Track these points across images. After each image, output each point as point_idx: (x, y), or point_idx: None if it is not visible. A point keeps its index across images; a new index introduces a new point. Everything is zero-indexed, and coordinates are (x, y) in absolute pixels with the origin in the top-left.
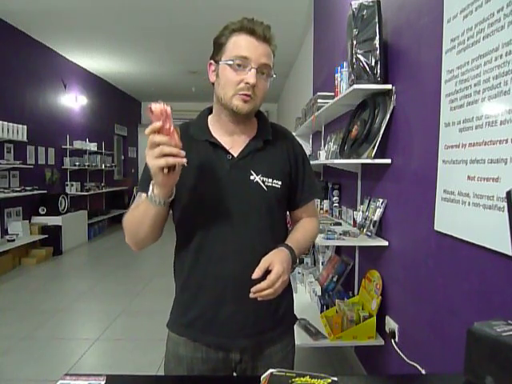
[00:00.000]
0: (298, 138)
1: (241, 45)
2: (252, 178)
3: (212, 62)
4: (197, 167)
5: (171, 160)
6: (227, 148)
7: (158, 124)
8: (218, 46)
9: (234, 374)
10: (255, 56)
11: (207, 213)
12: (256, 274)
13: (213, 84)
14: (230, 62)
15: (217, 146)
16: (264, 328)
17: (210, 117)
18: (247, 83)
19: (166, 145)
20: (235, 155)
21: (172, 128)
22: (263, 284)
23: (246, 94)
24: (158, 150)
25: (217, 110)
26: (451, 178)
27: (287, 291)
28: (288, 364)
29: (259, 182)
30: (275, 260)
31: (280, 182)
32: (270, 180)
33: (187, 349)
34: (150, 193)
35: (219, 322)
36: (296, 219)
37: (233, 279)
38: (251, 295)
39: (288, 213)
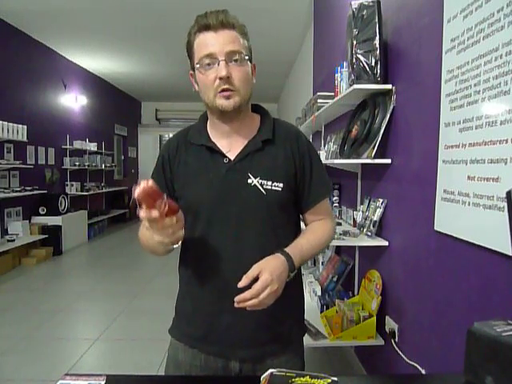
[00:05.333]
0: None
1: (203, 44)
2: (250, 181)
3: (191, 71)
4: (194, 173)
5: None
6: (224, 151)
7: (155, 214)
8: (189, 54)
9: None
10: (218, 48)
11: (204, 220)
12: (243, 282)
13: (198, 93)
14: (198, 66)
15: (214, 150)
16: (266, 340)
17: (209, 121)
18: (220, 78)
19: (174, 227)
20: (232, 158)
21: (164, 201)
22: (246, 294)
23: (224, 90)
24: (168, 231)
25: (209, 115)
26: (451, 178)
27: (297, 301)
28: None
29: (257, 185)
30: (265, 268)
31: (281, 185)
32: (270, 183)
33: (186, 355)
34: None
35: (218, 331)
36: (307, 222)
37: (231, 288)
38: (235, 305)
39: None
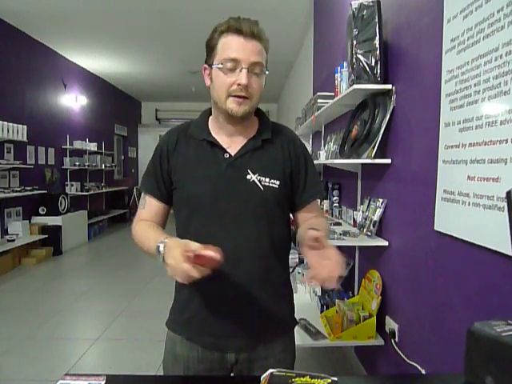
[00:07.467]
0: None
1: (230, 46)
2: (249, 177)
3: (206, 66)
4: (194, 166)
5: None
6: (225, 147)
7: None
8: (210, 50)
9: (232, 374)
10: (245, 56)
11: (202, 212)
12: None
13: (209, 88)
14: (221, 66)
15: (214, 144)
16: (260, 330)
17: (210, 117)
18: (239, 84)
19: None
20: (233, 154)
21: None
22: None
23: (239, 96)
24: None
25: (214, 112)
26: (451, 178)
27: (287, 294)
28: (287, 367)
29: (256, 181)
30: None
31: (278, 182)
32: (268, 179)
33: (183, 347)
34: (161, 253)
35: (214, 322)
36: (299, 221)
37: (227, 280)
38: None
39: (292, 215)
